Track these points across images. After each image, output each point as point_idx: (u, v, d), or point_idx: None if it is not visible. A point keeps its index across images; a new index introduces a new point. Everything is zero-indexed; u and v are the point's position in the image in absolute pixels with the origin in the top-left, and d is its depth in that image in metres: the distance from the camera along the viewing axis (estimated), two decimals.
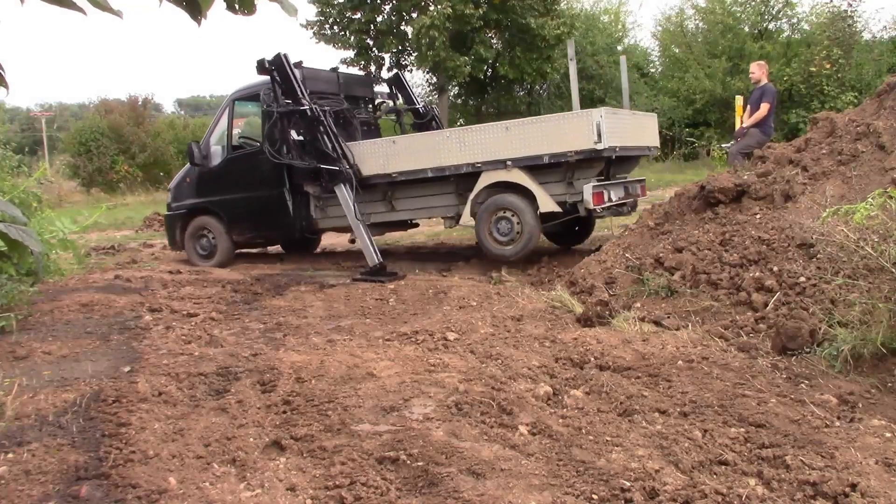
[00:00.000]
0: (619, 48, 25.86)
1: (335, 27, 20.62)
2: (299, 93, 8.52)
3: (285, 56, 8.61)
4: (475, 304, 6.31)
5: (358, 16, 20.23)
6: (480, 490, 2.94)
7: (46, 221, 7.40)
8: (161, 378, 4.47)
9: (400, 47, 20.57)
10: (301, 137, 8.67)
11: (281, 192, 9.04)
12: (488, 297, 6.50)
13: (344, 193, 8.37)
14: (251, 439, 3.57)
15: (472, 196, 8.12)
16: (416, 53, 19.75)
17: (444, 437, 3.44)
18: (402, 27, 20.05)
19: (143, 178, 25.59)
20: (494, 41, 21.20)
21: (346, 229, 9.30)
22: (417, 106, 10.53)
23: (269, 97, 8.73)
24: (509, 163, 7.84)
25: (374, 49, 20.69)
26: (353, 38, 20.26)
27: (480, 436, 3.47)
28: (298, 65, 8.83)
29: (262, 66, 8.63)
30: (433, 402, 3.90)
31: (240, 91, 9.59)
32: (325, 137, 8.46)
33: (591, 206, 7.58)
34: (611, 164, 8.05)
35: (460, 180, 8.32)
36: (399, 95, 10.71)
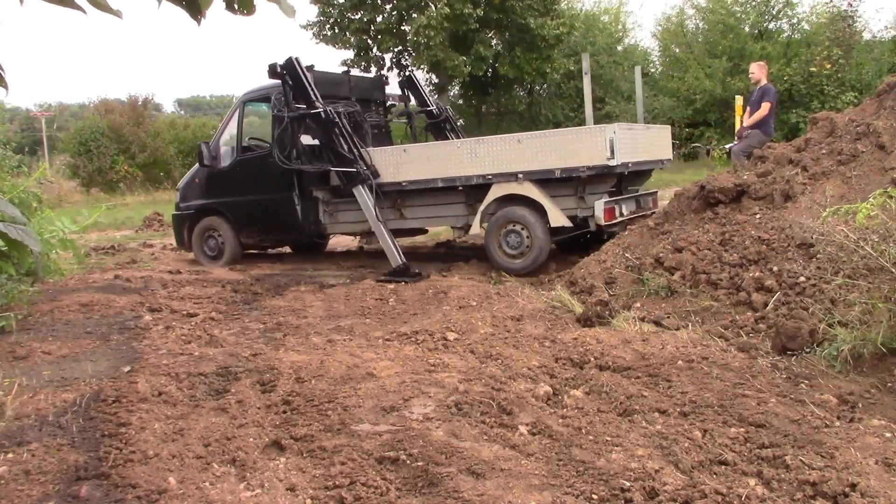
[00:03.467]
0: (620, 48, 25.85)
1: (335, 28, 20.64)
2: (313, 96, 8.43)
3: (297, 59, 8.52)
4: (475, 304, 6.31)
5: (358, 16, 20.25)
6: (480, 490, 2.94)
7: (46, 221, 7.39)
8: (161, 378, 4.47)
9: (400, 47, 20.59)
10: (313, 141, 8.59)
11: (290, 196, 9.01)
12: (488, 297, 6.50)
13: (363, 195, 8.29)
14: (251, 439, 3.57)
15: (482, 207, 8.06)
16: (415, 53, 19.77)
17: (444, 437, 3.44)
18: (401, 27, 20.06)
19: (143, 178, 25.60)
20: (494, 41, 21.21)
21: (355, 234, 9.34)
22: (431, 107, 10.41)
23: (281, 102, 8.64)
24: (520, 175, 7.77)
25: (373, 49, 20.72)
26: (353, 38, 20.28)
27: (480, 436, 3.47)
28: (310, 69, 8.74)
29: (273, 71, 8.53)
30: (433, 402, 3.90)
31: (250, 93, 9.53)
32: (341, 139, 8.39)
33: (603, 223, 7.48)
34: (623, 178, 7.97)
35: (470, 191, 8.25)
36: (412, 97, 10.61)
